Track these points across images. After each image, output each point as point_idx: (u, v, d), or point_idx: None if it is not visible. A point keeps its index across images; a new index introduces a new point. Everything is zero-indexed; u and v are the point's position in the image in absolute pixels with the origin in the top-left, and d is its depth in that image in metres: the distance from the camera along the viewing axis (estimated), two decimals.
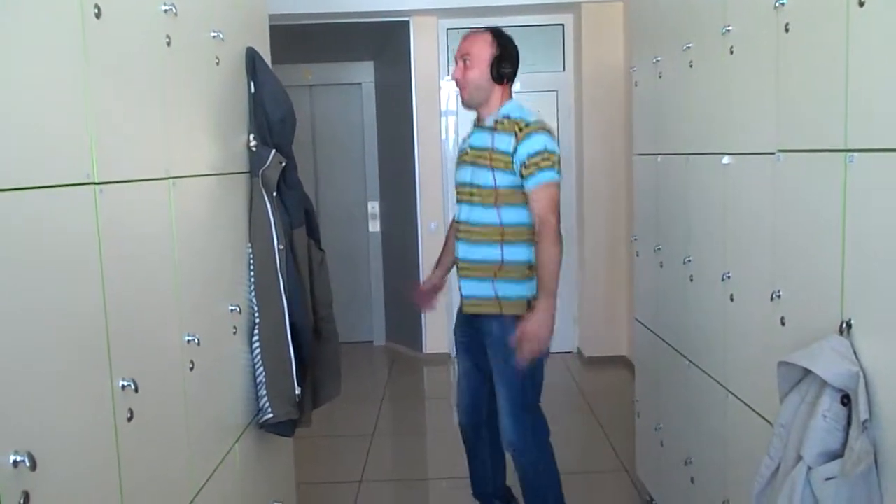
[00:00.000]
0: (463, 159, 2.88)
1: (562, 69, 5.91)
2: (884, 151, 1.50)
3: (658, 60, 3.00)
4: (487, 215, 2.74)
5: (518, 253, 2.73)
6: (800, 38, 1.85)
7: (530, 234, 2.71)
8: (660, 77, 3.00)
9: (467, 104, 2.84)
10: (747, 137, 2.19)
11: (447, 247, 3.13)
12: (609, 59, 5.56)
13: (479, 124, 2.85)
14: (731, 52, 2.26)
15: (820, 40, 1.74)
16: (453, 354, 6.02)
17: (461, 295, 2.89)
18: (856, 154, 1.59)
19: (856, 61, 1.59)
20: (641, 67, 3.28)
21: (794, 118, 1.90)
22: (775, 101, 1.97)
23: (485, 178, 2.72)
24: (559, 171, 2.70)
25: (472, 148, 2.83)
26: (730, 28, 2.25)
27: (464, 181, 2.84)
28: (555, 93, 5.88)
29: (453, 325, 3.09)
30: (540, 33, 5.93)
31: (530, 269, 2.72)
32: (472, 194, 2.78)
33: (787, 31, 1.90)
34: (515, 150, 2.67)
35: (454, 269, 2.96)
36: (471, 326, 2.89)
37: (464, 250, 2.82)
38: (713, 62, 2.40)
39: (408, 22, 5.75)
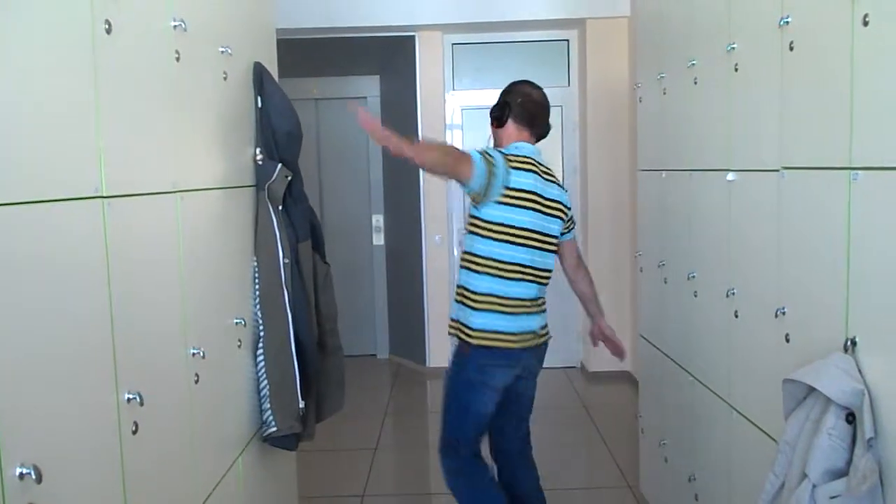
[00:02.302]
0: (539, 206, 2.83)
1: (566, 84, 5.93)
2: (888, 170, 1.50)
3: (663, 76, 3.01)
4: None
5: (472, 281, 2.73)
6: (804, 56, 1.86)
7: (477, 265, 2.70)
8: (664, 93, 3.01)
9: None
10: (752, 154, 2.19)
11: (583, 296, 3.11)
12: (614, 75, 5.58)
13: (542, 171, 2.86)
14: (736, 70, 2.27)
15: (824, 58, 1.75)
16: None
17: (529, 330, 2.76)
18: (860, 172, 1.59)
19: (860, 79, 1.60)
20: (646, 83, 3.30)
21: (798, 135, 1.90)
22: (779, 118, 1.98)
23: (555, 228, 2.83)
24: (484, 158, 2.66)
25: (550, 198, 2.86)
26: (734, 45, 2.27)
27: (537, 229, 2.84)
28: (560, 108, 5.90)
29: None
30: (545, 49, 5.95)
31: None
32: (546, 243, 2.82)
33: (791, 48, 1.90)
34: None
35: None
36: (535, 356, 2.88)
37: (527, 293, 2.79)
38: (718, 79, 2.41)
39: (413, 37, 5.78)
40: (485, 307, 2.68)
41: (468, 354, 2.71)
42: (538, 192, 2.70)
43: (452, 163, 2.61)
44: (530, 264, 2.71)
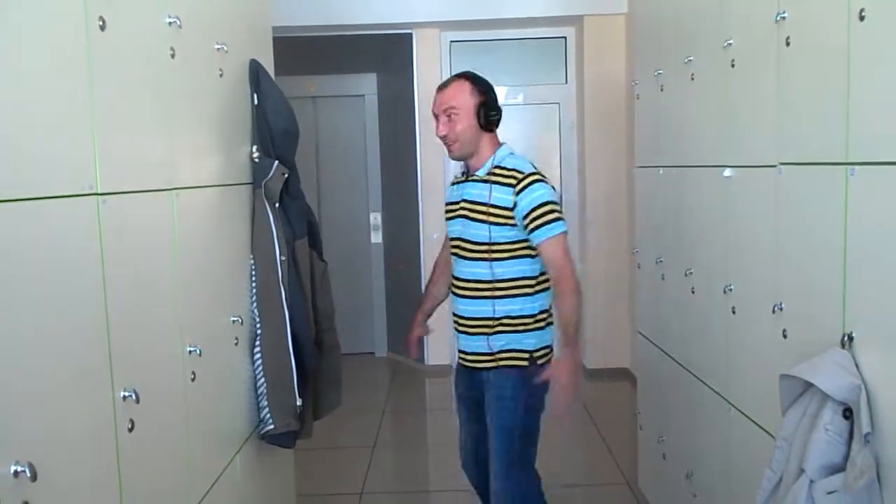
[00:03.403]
0: (455, 212, 2.71)
1: (564, 81, 5.92)
2: (885, 165, 1.50)
3: (660, 73, 3.01)
4: (481, 271, 2.60)
5: (514, 307, 2.59)
6: (801, 52, 1.86)
7: (530, 287, 2.59)
8: (661, 90, 3.01)
9: (458, 158, 2.67)
10: (748, 150, 2.19)
11: (431, 293, 3.04)
12: (611, 72, 5.57)
13: (469, 175, 2.68)
14: (733, 66, 2.26)
15: (821, 54, 1.75)
16: (454, 366, 6.02)
17: (458, 349, 2.76)
18: (857, 167, 1.59)
19: (856, 75, 1.59)
20: (643, 80, 3.29)
21: (795, 131, 1.90)
22: (776, 114, 1.98)
23: (480, 233, 2.59)
24: (564, 221, 2.56)
25: (465, 201, 2.66)
26: (731, 42, 2.26)
27: (457, 236, 2.69)
28: (557, 105, 5.90)
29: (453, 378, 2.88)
30: (542, 46, 5.95)
31: (533, 321, 2.60)
32: (465, 249, 2.64)
33: (787, 44, 1.90)
34: (515, 203, 2.52)
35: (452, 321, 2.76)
36: (470, 379, 2.76)
37: (462, 307, 2.68)
38: (715, 75, 2.41)
39: (410, 34, 5.77)
40: (545, 324, 2.64)
41: (532, 373, 2.58)
42: None
43: (577, 287, 2.53)
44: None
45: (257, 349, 2.48)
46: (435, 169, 5.88)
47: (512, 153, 2.65)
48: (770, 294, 2.02)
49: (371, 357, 6.59)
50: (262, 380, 2.48)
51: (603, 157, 5.68)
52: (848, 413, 1.54)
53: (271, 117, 2.57)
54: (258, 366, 2.48)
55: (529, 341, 2.60)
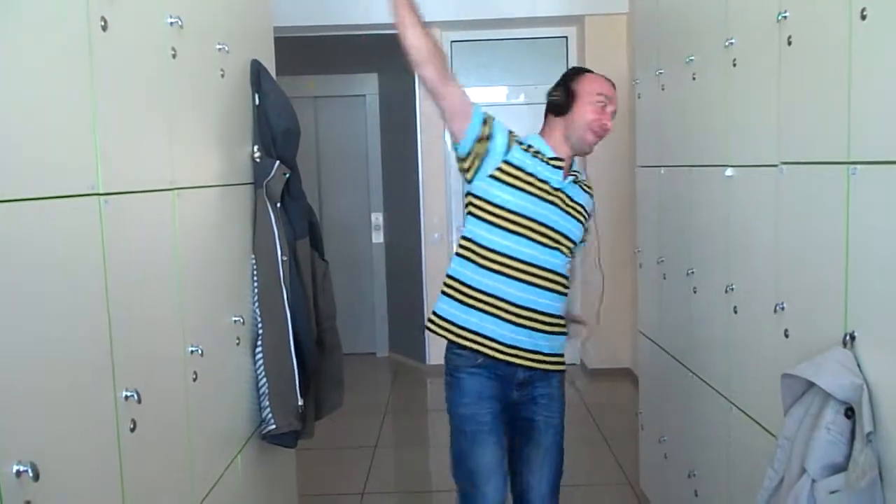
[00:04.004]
0: (550, 198, 2.35)
1: None
2: (886, 164, 1.50)
3: (661, 73, 3.01)
4: (558, 262, 2.36)
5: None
6: (802, 51, 1.86)
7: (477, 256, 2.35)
8: (663, 89, 3.01)
9: (588, 153, 2.54)
10: (750, 150, 2.19)
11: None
12: (612, 71, 5.48)
13: (558, 164, 2.40)
14: (734, 65, 2.26)
15: (822, 53, 1.75)
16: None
17: (525, 348, 2.35)
18: (858, 166, 1.59)
19: (858, 74, 1.59)
20: (644, 80, 3.29)
21: (796, 130, 1.90)
22: (778, 113, 1.98)
23: (577, 233, 2.41)
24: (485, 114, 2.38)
25: (567, 195, 2.41)
26: (732, 41, 2.26)
27: (541, 220, 2.33)
28: None
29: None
30: (544, 45, 5.95)
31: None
32: (544, 236, 2.32)
33: (789, 43, 1.90)
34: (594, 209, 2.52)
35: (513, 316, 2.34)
36: (515, 382, 2.40)
37: (548, 302, 2.36)
38: (716, 75, 2.41)
39: None
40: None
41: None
42: (539, 176, 2.41)
43: (438, 75, 2.29)
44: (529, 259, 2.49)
45: (259, 349, 2.49)
46: (436, 169, 5.88)
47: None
48: (772, 293, 2.02)
49: (372, 357, 6.59)
50: (264, 380, 2.48)
51: (604, 156, 5.65)
52: (850, 412, 1.54)
53: (273, 117, 2.57)
54: (260, 366, 2.48)
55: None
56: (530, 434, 2.43)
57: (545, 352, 2.39)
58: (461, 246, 2.39)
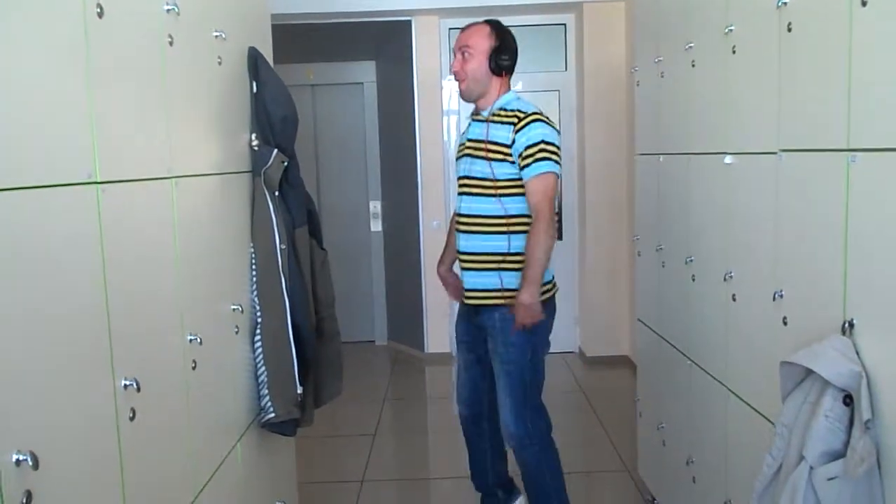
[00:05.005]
0: (461, 151, 2.89)
1: (564, 69, 5.90)
2: (886, 151, 1.49)
3: (660, 60, 2.99)
4: (489, 207, 2.73)
5: (523, 243, 2.71)
6: (802, 38, 1.85)
7: (526, 225, 2.72)
8: (662, 77, 3.00)
9: (465, 96, 2.84)
10: (749, 137, 2.19)
11: (450, 242, 3.12)
12: (611, 59, 5.56)
13: (475, 116, 2.86)
14: (734, 52, 2.25)
15: (822, 40, 1.74)
16: (455, 353, 6.04)
17: (463, 287, 2.87)
18: (858, 154, 1.59)
19: (858, 61, 1.59)
20: (643, 67, 3.28)
21: (796, 118, 1.89)
22: (777, 100, 1.97)
23: (482, 169, 2.72)
24: (558, 163, 2.69)
25: (468, 140, 2.83)
26: (732, 28, 2.25)
27: (463, 174, 2.84)
28: (557, 92, 5.88)
29: (454, 320, 3.08)
30: (542, 33, 5.93)
31: None
32: (470, 186, 2.78)
33: (789, 30, 1.89)
34: (514, 141, 2.67)
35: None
36: (472, 319, 2.89)
37: (465, 242, 2.81)
38: (715, 62, 2.40)
39: (409, 21, 5.75)
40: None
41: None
42: None
43: (550, 229, 2.64)
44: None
45: (258, 337, 2.49)
46: (435, 157, 5.87)
47: (519, 98, 2.78)
48: (770, 281, 2.02)
49: (371, 345, 6.60)
50: (263, 368, 2.48)
51: (603, 144, 5.67)
52: (848, 400, 1.55)
53: (270, 105, 2.56)
54: (259, 354, 2.49)
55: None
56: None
57: (468, 287, 2.82)
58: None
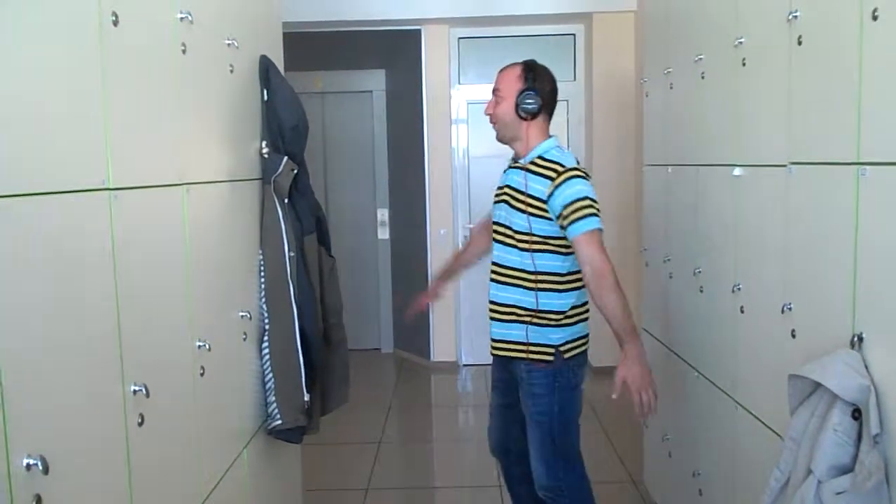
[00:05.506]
0: (500, 197, 2.70)
1: (573, 79, 5.91)
2: None
3: (669, 71, 3.00)
4: (521, 260, 2.60)
5: (551, 301, 2.60)
6: (812, 51, 1.85)
7: (564, 283, 2.60)
8: (671, 88, 3.00)
9: (498, 139, 2.71)
10: (759, 149, 2.19)
11: (461, 257, 3.07)
12: (620, 70, 5.56)
13: (514, 164, 2.70)
14: (744, 64, 2.26)
15: (833, 53, 1.74)
16: (461, 362, 6.03)
17: (491, 337, 2.74)
18: (868, 167, 1.59)
19: (869, 74, 1.59)
20: (652, 78, 3.29)
21: (806, 131, 1.89)
22: (787, 113, 1.97)
23: (521, 223, 2.58)
24: (600, 219, 2.53)
25: (508, 187, 2.66)
26: (742, 40, 2.26)
27: (500, 221, 2.68)
28: (565, 102, 5.88)
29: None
30: (551, 43, 5.94)
31: (562, 317, 2.61)
32: (506, 236, 2.64)
33: (799, 43, 1.90)
34: (551, 195, 2.51)
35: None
36: (504, 366, 2.79)
37: (494, 292, 2.68)
38: (725, 74, 2.40)
39: (419, 30, 5.77)
40: (574, 321, 2.63)
41: (560, 368, 2.62)
42: None
43: (617, 282, 2.52)
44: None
45: (265, 344, 2.49)
46: (443, 165, 5.89)
47: (559, 147, 2.63)
48: (779, 294, 2.02)
49: (377, 353, 6.60)
50: (270, 375, 2.49)
51: (611, 154, 5.67)
52: (857, 414, 1.54)
53: (281, 113, 2.58)
54: (266, 361, 2.49)
55: (555, 336, 2.60)
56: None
57: (494, 338, 2.72)
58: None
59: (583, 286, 2.61)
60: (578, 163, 2.60)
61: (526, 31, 5.87)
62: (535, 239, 2.57)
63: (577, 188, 2.49)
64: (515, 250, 2.61)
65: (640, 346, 2.53)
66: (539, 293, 2.59)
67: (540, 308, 2.60)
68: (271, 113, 2.58)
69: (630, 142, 5.55)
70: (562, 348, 2.61)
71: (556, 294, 2.59)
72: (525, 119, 2.61)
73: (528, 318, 2.61)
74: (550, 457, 2.66)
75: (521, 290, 2.61)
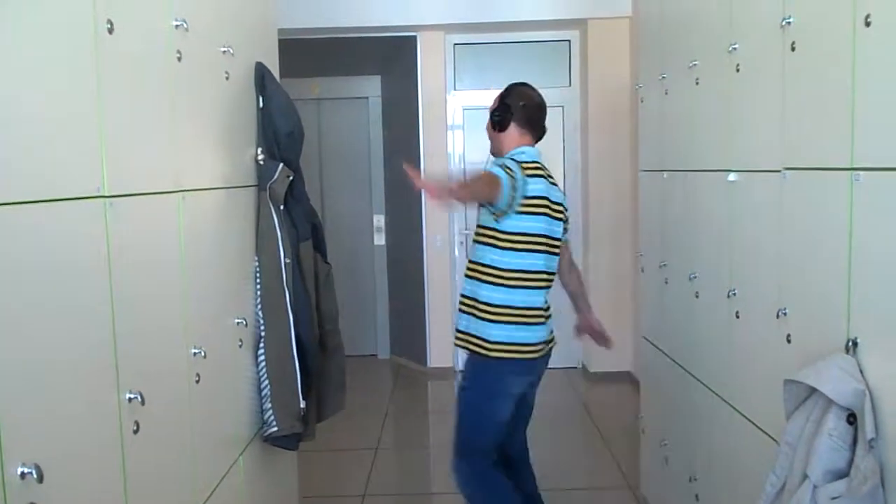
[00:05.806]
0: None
1: (568, 85, 5.93)
2: (890, 170, 1.50)
3: (664, 77, 3.01)
4: (476, 253, 2.79)
5: (488, 293, 2.72)
6: (806, 57, 1.86)
7: (500, 278, 2.69)
8: (666, 94, 3.01)
9: (490, 152, 2.94)
10: (753, 155, 2.19)
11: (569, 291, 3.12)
12: (615, 76, 5.58)
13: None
14: (738, 70, 2.27)
15: (826, 59, 1.75)
16: (457, 368, 6.03)
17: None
18: (862, 173, 1.59)
19: (862, 80, 1.60)
20: (647, 84, 3.30)
21: (800, 136, 1.90)
22: (781, 119, 1.98)
23: (481, 216, 2.78)
24: (507, 174, 2.60)
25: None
26: (736, 46, 2.26)
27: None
28: (561, 108, 5.90)
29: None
30: (546, 49, 5.96)
31: (494, 310, 2.70)
32: (475, 233, 2.84)
33: (793, 49, 1.91)
34: None
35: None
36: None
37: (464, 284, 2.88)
38: (719, 80, 2.41)
39: (415, 37, 5.78)
40: (502, 319, 2.69)
41: (487, 366, 2.72)
42: (548, 196, 2.74)
43: (488, 191, 2.59)
44: (545, 269, 2.75)
45: (261, 351, 2.49)
46: (439, 171, 5.88)
47: (525, 151, 2.79)
48: (774, 299, 2.02)
49: (374, 359, 6.59)
50: (266, 382, 2.48)
51: (607, 160, 5.68)
52: (852, 418, 1.54)
53: (277, 120, 2.58)
54: (262, 368, 2.49)
55: (491, 332, 2.70)
56: None
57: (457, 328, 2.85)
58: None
59: (523, 288, 2.70)
60: (539, 165, 2.75)
61: (521, 37, 5.89)
62: (480, 231, 2.76)
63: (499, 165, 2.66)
64: (476, 244, 2.79)
65: (449, 185, 2.58)
66: (482, 284, 2.73)
67: (479, 299, 2.73)
68: (267, 120, 2.58)
69: (625, 147, 5.56)
70: (491, 346, 2.69)
71: (492, 287, 2.71)
72: (498, 130, 2.84)
73: (469, 310, 2.77)
74: (457, 443, 2.85)
75: (470, 280, 2.79)
